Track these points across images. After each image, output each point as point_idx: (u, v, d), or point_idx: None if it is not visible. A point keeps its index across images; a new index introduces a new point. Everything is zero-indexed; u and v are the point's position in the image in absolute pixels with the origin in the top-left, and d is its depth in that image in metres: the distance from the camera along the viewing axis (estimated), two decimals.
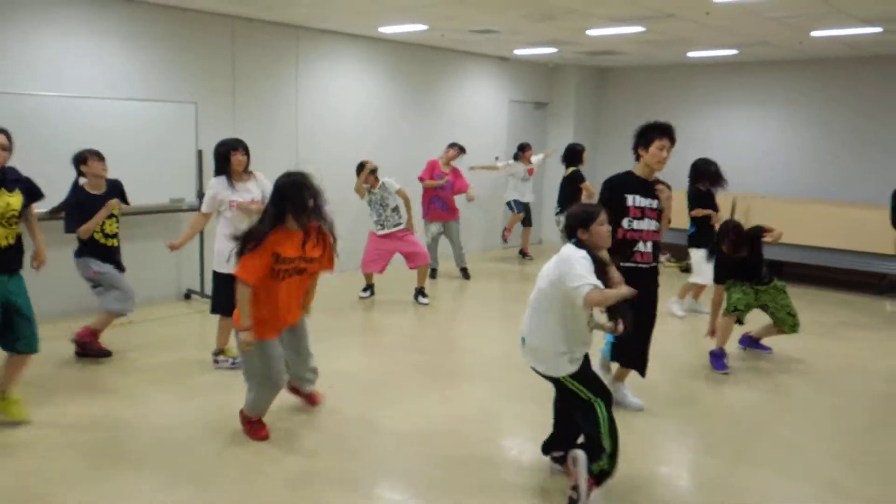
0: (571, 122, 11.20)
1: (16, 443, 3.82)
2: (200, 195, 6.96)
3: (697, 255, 6.82)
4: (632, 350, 4.34)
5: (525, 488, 3.46)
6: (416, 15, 7.08)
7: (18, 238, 3.95)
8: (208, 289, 7.05)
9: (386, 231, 7.10)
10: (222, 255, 4.85)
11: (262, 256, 3.63)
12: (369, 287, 7.43)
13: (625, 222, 4.15)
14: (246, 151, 4.98)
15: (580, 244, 3.17)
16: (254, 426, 4.02)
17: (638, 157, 4.26)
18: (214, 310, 5.13)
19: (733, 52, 9.03)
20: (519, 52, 9.79)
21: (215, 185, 4.93)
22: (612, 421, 3.20)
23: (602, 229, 3.17)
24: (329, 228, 3.88)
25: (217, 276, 5.03)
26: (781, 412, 4.64)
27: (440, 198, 8.20)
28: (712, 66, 10.39)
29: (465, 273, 8.56)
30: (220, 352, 5.16)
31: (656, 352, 4.53)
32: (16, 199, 3.92)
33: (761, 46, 8.52)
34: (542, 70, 11.24)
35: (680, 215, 7.13)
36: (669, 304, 6.96)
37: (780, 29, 7.20)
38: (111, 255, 5.17)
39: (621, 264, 4.07)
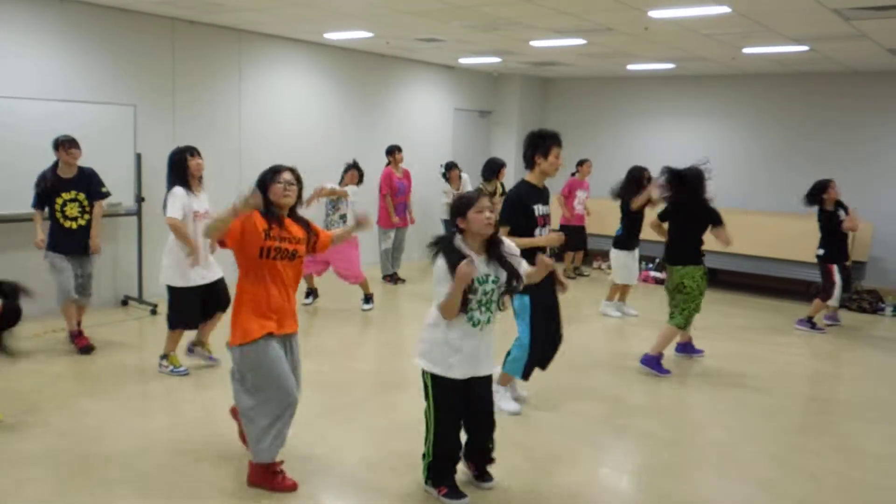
0: (515, 130, 11.36)
1: None
2: (139, 199, 6.82)
3: (620, 257, 7.11)
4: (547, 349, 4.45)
5: None
6: (360, 22, 7.09)
7: None
8: (147, 295, 6.94)
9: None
10: (176, 269, 4.81)
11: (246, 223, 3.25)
12: (311, 292, 7.33)
13: (536, 232, 4.25)
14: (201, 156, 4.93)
15: (460, 232, 3.23)
16: (274, 476, 3.42)
17: (532, 166, 4.35)
18: (173, 326, 5.02)
19: (671, 65, 9.32)
20: (464, 60, 9.89)
21: (181, 194, 4.81)
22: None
23: (479, 217, 3.14)
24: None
25: (172, 291, 4.95)
26: (715, 414, 4.80)
27: (403, 204, 8.43)
28: (651, 78, 10.70)
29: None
30: (165, 356, 5.08)
31: (587, 353, 4.63)
32: None
33: (697, 61, 8.82)
34: (487, 79, 11.38)
35: (609, 221, 7.42)
36: (603, 307, 7.24)
37: (714, 45, 7.47)
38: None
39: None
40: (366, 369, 5.55)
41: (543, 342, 4.37)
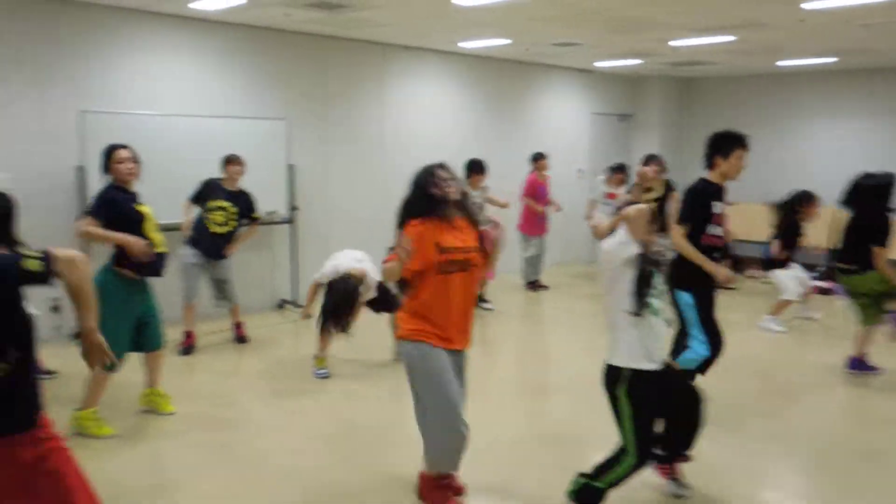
0: (656, 133, 11.03)
1: (157, 433, 4.10)
2: (292, 208, 7.22)
3: (783, 274, 6.74)
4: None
5: None
6: (497, 30, 7.16)
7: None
8: (301, 299, 7.33)
9: None
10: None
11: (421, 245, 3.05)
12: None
13: (709, 228, 4.16)
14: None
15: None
16: (437, 491, 3.34)
17: (712, 166, 4.22)
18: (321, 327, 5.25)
19: (831, 59, 8.70)
20: (601, 64, 9.73)
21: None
22: None
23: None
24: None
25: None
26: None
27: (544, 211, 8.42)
28: (806, 74, 10.04)
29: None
30: (315, 357, 5.32)
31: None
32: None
33: (861, 54, 8.18)
34: (626, 81, 11.13)
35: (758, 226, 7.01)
36: (765, 321, 6.81)
37: (877, 35, 6.91)
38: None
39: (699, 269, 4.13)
40: (507, 377, 5.56)
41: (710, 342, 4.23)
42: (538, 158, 8.37)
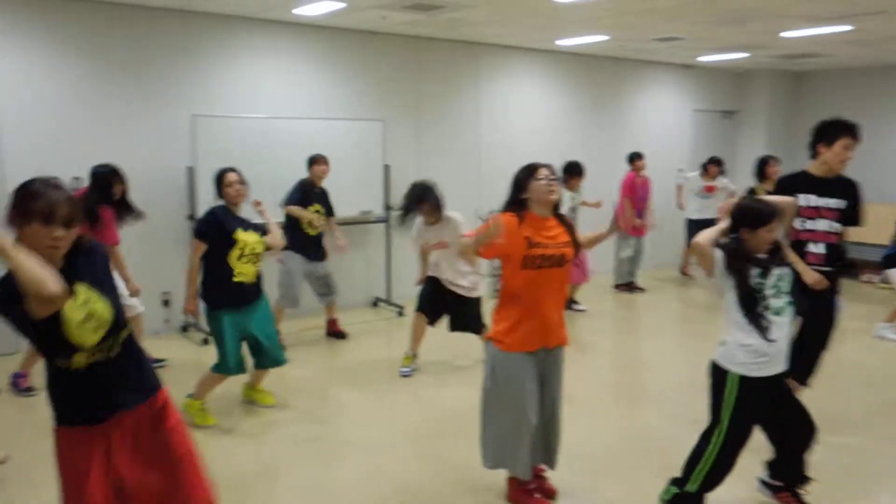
0: (763, 131, 10.52)
1: (256, 425, 4.27)
2: (387, 207, 7.34)
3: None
4: (798, 356, 3.98)
5: None
6: (596, 27, 7.02)
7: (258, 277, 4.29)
8: (394, 297, 7.45)
9: None
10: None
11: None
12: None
13: (797, 223, 3.90)
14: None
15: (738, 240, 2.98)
16: (525, 495, 3.30)
17: (815, 155, 3.94)
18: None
19: None
20: (704, 58, 9.37)
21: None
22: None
23: (768, 236, 2.91)
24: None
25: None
26: None
27: (639, 212, 8.19)
28: None
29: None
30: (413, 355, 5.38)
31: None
32: (257, 237, 4.23)
33: None
34: (730, 77, 10.67)
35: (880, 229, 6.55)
36: (878, 329, 6.37)
37: None
38: None
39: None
40: (599, 381, 5.44)
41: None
42: (635, 158, 8.16)
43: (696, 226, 8.87)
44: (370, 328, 6.77)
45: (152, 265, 5.92)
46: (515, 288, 3.12)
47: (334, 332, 6.31)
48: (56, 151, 5.61)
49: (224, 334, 4.14)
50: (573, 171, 6.99)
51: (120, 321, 2.23)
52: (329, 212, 6.04)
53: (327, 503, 3.42)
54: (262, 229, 4.28)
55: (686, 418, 4.46)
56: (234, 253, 4.11)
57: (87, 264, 2.18)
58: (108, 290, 2.21)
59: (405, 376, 5.25)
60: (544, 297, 3.11)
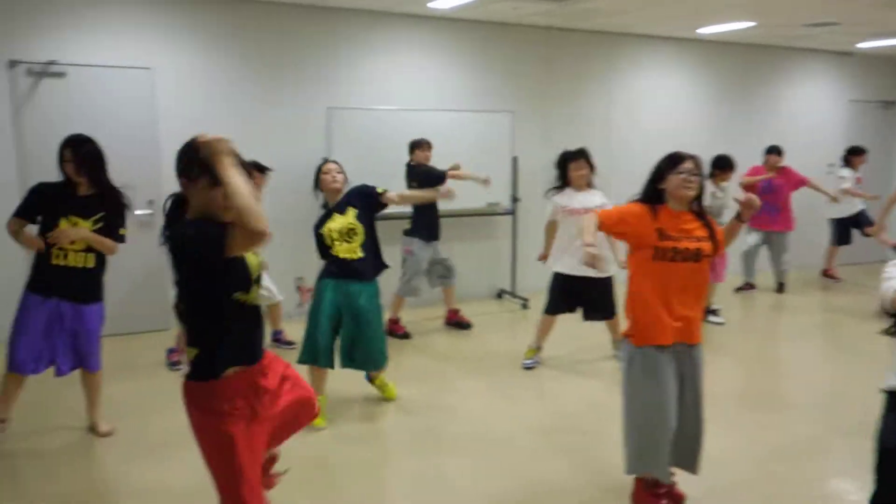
0: None
1: (374, 412, 4.38)
2: (514, 199, 7.29)
3: None
4: None
5: None
6: (743, 13, 6.62)
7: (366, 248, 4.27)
8: (519, 290, 7.40)
9: None
10: (556, 254, 5.20)
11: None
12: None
13: None
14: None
15: None
16: (650, 497, 3.21)
17: None
18: (545, 311, 5.28)
19: None
20: (862, 45, 8.63)
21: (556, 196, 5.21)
22: None
23: None
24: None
25: (552, 276, 5.23)
26: None
27: (766, 202, 7.57)
28: None
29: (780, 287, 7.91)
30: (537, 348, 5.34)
31: None
32: (349, 217, 4.22)
33: None
34: (892, 64, 9.77)
35: None
36: None
37: None
38: None
39: None
40: (735, 386, 5.15)
41: None
42: (769, 152, 7.60)
43: (840, 225, 8.21)
44: (494, 320, 6.76)
45: (286, 252, 6.18)
46: (646, 281, 3.01)
47: (455, 322, 6.34)
48: None
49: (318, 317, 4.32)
50: (722, 166, 6.63)
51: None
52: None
53: (441, 494, 3.42)
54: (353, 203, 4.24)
55: (834, 428, 4.15)
56: (327, 241, 4.17)
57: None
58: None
59: (528, 369, 5.20)
60: (677, 292, 2.99)
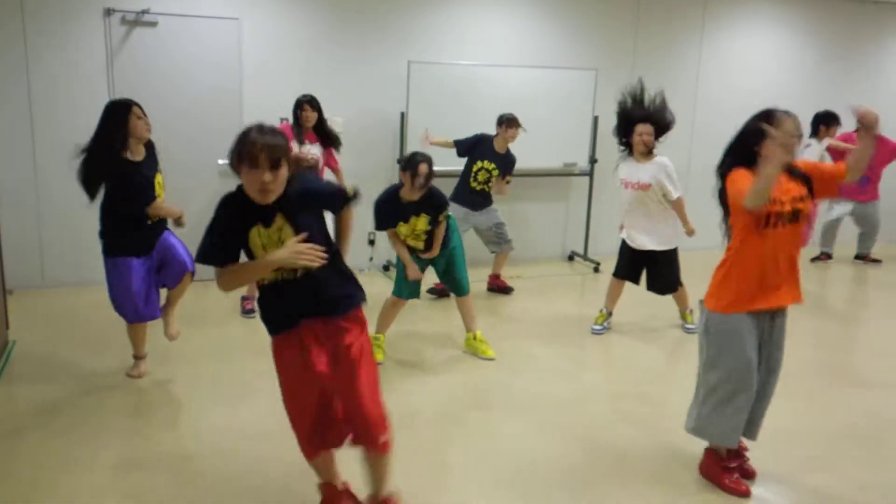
0: None
1: (448, 368, 4.46)
2: (592, 160, 7.13)
3: None
4: None
5: None
6: None
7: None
8: (591, 253, 7.30)
9: None
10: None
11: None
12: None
13: None
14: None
15: None
16: (722, 471, 3.12)
17: None
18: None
19: None
20: None
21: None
22: None
23: None
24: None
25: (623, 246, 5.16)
26: None
27: (866, 176, 7.20)
28: None
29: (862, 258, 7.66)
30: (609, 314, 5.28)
31: None
32: (423, 222, 4.40)
33: None
34: None
35: None
36: None
37: None
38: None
39: None
40: (814, 360, 4.96)
41: None
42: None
43: None
44: (565, 282, 6.70)
45: (362, 206, 6.25)
46: (745, 248, 2.90)
47: (497, 287, 6.20)
48: (288, 95, 6.04)
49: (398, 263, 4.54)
50: (829, 121, 6.29)
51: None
52: (504, 173, 5.85)
53: (503, 454, 3.45)
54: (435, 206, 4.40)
55: None
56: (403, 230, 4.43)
57: (296, 202, 2.38)
58: (306, 226, 2.39)
59: (597, 334, 5.16)
60: (775, 257, 2.89)
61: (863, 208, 7.36)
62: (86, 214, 3.96)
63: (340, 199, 2.62)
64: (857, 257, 7.69)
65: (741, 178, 2.85)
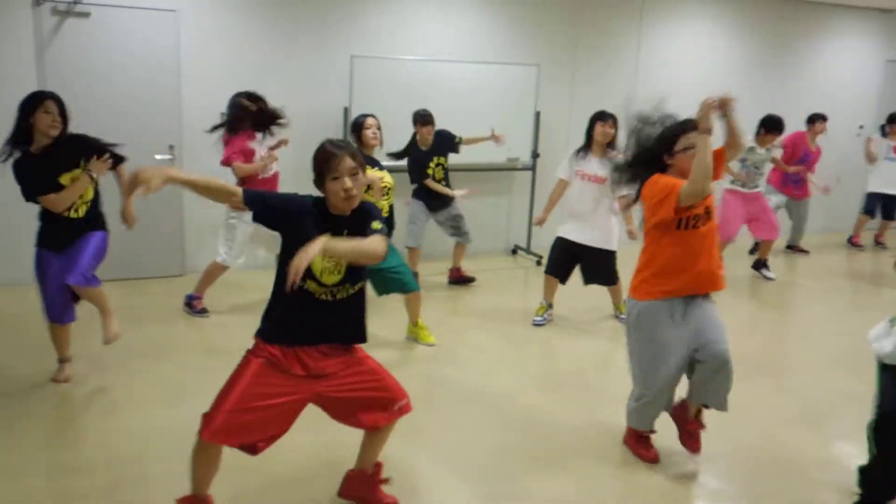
0: None
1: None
2: (535, 155, 7.23)
3: None
4: None
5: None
6: None
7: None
8: (534, 246, 7.41)
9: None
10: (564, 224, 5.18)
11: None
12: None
13: None
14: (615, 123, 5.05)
15: None
16: (637, 441, 3.39)
17: None
18: (546, 270, 5.35)
19: None
20: None
21: (569, 156, 5.16)
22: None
23: None
24: None
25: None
26: None
27: (797, 175, 7.55)
28: None
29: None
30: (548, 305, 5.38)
31: None
32: (388, 176, 4.45)
33: None
34: None
35: None
36: None
37: None
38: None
39: None
40: (752, 349, 5.16)
41: None
42: (813, 121, 7.46)
43: (876, 199, 8.08)
44: (508, 276, 6.80)
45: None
46: (666, 247, 3.06)
47: (457, 279, 6.29)
48: (228, 90, 5.94)
49: None
50: (770, 127, 6.57)
51: (355, 275, 2.50)
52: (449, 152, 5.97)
53: (449, 443, 3.51)
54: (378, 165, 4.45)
55: (842, 393, 4.17)
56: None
57: (358, 219, 2.47)
58: None
59: (538, 325, 5.25)
60: (697, 253, 3.05)
61: (795, 204, 7.68)
62: (11, 209, 3.83)
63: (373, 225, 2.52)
64: (789, 247, 8.04)
65: (664, 177, 3.01)
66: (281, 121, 5.13)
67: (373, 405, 2.64)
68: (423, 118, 5.76)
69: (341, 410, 2.66)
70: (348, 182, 2.38)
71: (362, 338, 2.63)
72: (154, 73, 5.83)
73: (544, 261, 6.88)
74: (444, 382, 4.23)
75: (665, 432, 3.39)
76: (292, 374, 2.50)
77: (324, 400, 2.60)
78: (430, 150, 5.86)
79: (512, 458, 3.36)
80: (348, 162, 2.40)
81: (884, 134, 7.97)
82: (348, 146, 2.47)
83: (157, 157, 5.76)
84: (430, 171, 5.84)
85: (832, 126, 7.84)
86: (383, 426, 2.72)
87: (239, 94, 5.05)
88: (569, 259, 5.18)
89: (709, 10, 8.08)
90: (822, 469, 3.37)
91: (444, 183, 5.91)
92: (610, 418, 3.68)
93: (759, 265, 6.99)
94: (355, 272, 2.49)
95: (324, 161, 2.42)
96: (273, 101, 5.15)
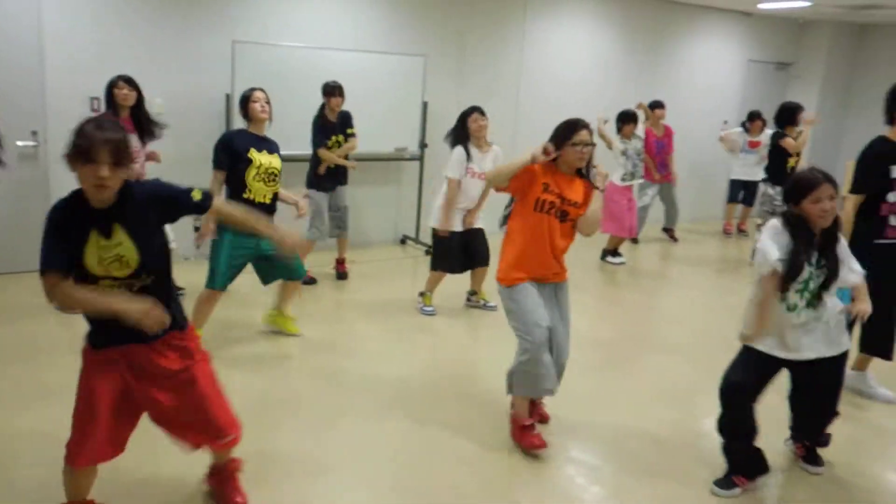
0: (818, 84, 10.09)
1: (277, 355, 4.39)
2: (422, 145, 7.27)
3: None
4: (876, 332, 3.95)
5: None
6: None
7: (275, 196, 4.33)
8: (423, 236, 7.45)
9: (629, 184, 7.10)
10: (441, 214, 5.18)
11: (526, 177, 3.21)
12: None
13: (890, 196, 3.77)
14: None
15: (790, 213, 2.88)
16: (522, 428, 3.42)
17: (893, 121, 3.79)
18: (433, 267, 5.36)
19: None
20: (764, 6, 8.94)
21: (458, 155, 5.12)
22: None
23: (814, 208, 2.78)
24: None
25: (435, 234, 5.26)
26: None
27: (662, 162, 7.99)
28: None
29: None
30: (422, 294, 5.42)
31: None
32: (277, 161, 4.30)
33: None
34: (789, 26, 10.19)
35: None
36: None
37: None
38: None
39: (874, 241, 3.81)
40: (626, 333, 5.42)
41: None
42: (654, 107, 7.87)
43: (738, 186, 8.67)
44: (396, 266, 6.81)
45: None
46: (523, 227, 3.27)
47: (342, 273, 6.20)
48: (98, 73, 5.62)
49: (220, 252, 4.16)
50: (627, 120, 6.93)
51: (148, 265, 2.33)
52: (347, 137, 5.88)
53: (341, 435, 3.50)
54: (278, 151, 4.33)
55: (710, 371, 4.46)
56: (250, 172, 4.18)
57: (133, 209, 2.28)
58: (146, 237, 2.31)
59: (430, 315, 5.30)
60: (546, 241, 3.25)
61: (664, 189, 8.15)
62: None
63: (188, 203, 2.42)
64: (665, 230, 8.54)
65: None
66: (159, 131, 4.96)
67: (195, 429, 2.56)
68: (332, 89, 5.68)
69: (164, 423, 2.56)
70: (105, 171, 2.14)
71: (176, 324, 2.46)
72: (13, 55, 5.40)
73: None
74: (334, 374, 4.19)
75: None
76: (123, 375, 2.42)
77: (150, 406, 2.49)
78: (335, 125, 5.76)
79: (407, 448, 3.38)
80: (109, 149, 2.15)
81: (745, 129, 8.52)
82: (116, 129, 2.22)
83: (20, 143, 5.37)
84: (329, 144, 5.74)
85: (703, 123, 8.34)
86: (213, 451, 2.70)
87: (118, 79, 4.79)
88: (462, 250, 5.24)
89: (587, 7, 8.36)
90: (690, 445, 3.60)
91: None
92: (503, 400, 3.77)
93: (606, 254, 7.27)
94: (149, 263, 2.33)
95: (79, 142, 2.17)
96: (151, 88, 4.91)
